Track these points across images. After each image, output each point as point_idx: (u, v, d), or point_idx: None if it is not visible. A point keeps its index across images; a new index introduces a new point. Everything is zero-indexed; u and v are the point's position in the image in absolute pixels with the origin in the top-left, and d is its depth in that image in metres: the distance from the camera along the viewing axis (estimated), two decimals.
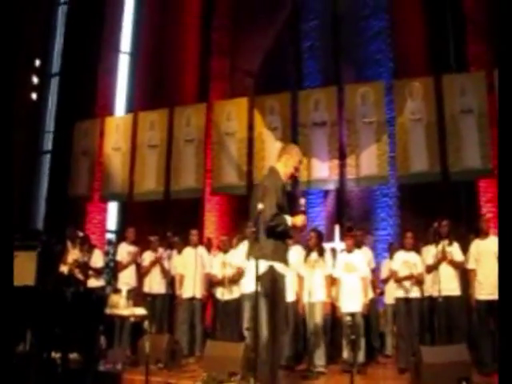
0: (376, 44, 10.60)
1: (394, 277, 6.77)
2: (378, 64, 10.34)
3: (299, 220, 4.24)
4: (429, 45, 10.38)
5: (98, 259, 7.80)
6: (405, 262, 6.70)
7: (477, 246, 6.47)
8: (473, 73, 8.60)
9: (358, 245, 7.42)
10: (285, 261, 4.26)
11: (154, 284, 7.75)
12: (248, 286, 6.07)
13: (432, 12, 10.45)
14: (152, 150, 9.72)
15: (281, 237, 4.20)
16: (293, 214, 4.24)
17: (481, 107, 7.89)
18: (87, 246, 7.69)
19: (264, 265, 4.09)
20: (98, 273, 7.71)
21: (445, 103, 8.09)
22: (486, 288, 6.05)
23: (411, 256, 6.73)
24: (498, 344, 4.61)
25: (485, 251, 6.29)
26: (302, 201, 4.69)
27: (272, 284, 4.15)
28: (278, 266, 4.19)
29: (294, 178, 4.55)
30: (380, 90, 8.62)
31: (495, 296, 5.50)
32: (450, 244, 6.48)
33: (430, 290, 6.42)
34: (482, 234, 6.53)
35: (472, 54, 9.20)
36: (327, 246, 7.58)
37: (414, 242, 6.81)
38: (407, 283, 6.57)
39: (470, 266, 6.37)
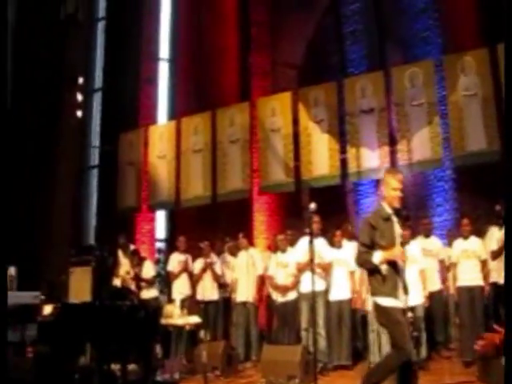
0: (422, 21, 10.28)
1: (452, 271, 6.65)
2: (425, 42, 10.03)
3: (390, 254, 4.10)
4: (479, 15, 9.98)
5: (149, 270, 8.04)
6: (464, 250, 6.56)
7: None
8: None
9: (426, 233, 7.30)
10: (391, 294, 4.11)
11: (207, 291, 7.88)
12: (305, 285, 6.11)
13: None
14: (197, 154, 9.85)
15: (376, 272, 4.14)
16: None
17: None
18: (137, 259, 7.93)
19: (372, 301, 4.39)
20: (150, 283, 7.93)
21: (502, 75, 7.76)
22: None
23: (471, 243, 6.57)
24: None
25: None
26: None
27: (384, 320, 4.18)
28: (382, 301, 4.12)
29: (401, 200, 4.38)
30: (429, 70, 8.36)
31: None
32: None
33: (495, 276, 6.23)
34: None
35: None
36: None
37: (472, 227, 6.64)
38: (469, 271, 6.41)
39: None
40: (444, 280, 7.01)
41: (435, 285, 6.83)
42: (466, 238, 6.70)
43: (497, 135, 7.63)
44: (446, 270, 6.99)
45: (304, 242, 6.54)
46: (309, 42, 11.62)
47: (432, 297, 6.60)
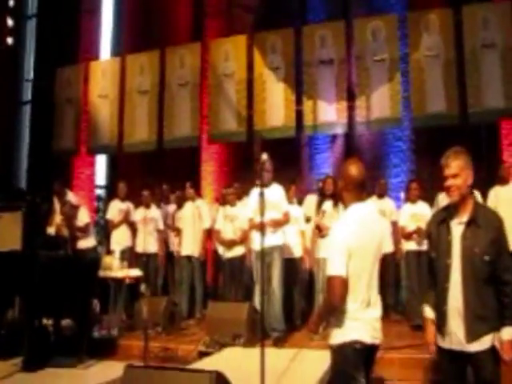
0: None
1: (401, 232, 6.77)
2: None
3: None
4: None
5: (83, 216, 7.74)
6: (412, 215, 6.69)
7: (496, 193, 6.51)
8: (496, 2, 8.26)
9: (380, 193, 7.37)
10: None
11: (148, 243, 7.71)
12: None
13: None
14: (142, 96, 9.54)
15: None
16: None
17: (505, 41, 7.65)
18: (69, 206, 7.63)
19: None
20: (83, 231, 7.67)
21: (465, 37, 7.85)
22: None
23: (419, 207, 6.71)
24: None
25: (504, 198, 6.33)
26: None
27: None
28: None
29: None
30: (392, 24, 8.35)
31: None
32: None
33: None
34: (502, 180, 6.53)
35: None
36: None
37: (422, 191, 6.75)
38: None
39: None
40: (397, 242, 7.12)
41: (388, 247, 6.94)
42: (413, 201, 6.80)
43: (456, 99, 7.75)
44: (399, 231, 7.09)
45: (256, 193, 6.33)
46: None
47: (384, 259, 6.69)
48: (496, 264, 2.88)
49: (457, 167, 2.94)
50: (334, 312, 2.90)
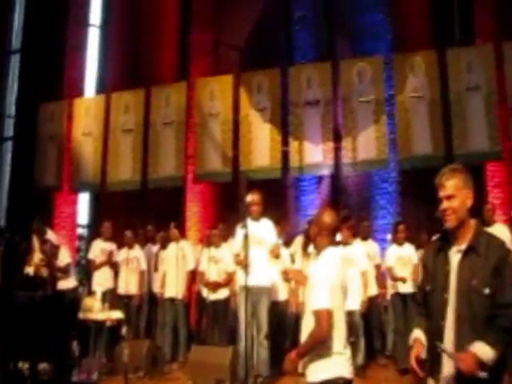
0: (373, 15, 10.41)
1: (389, 273, 6.81)
2: (375, 37, 10.17)
3: None
4: (431, 15, 10.26)
5: (64, 256, 7.66)
6: (399, 257, 6.76)
7: None
8: (480, 46, 8.54)
9: (364, 236, 7.42)
10: None
11: (130, 284, 7.64)
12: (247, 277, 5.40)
13: None
14: (127, 134, 9.58)
15: None
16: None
17: (489, 84, 7.86)
18: (49, 245, 7.56)
19: None
20: (64, 272, 7.59)
21: (449, 80, 8.05)
22: None
23: (405, 250, 6.79)
24: None
25: None
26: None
27: None
28: None
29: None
30: (378, 66, 8.55)
31: None
32: None
33: None
34: (485, 222, 6.55)
35: (479, 26, 9.10)
36: None
37: (408, 233, 6.83)
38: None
39: None
40: (381, 285, 7.15)
41: (372, 290, 6.96)
42: (400, 244, 6.87)
43: (442, 140, 7.92)
44: (383, 275, 7.13)
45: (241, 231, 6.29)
46: (255, 23, 11.52)
47: (370, 302, 6.72)
48: (495, 299, 2.47)
49: (453, 187, 2.62)
50: (321, 345, 2.98)
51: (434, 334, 2.61)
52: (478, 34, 9.09)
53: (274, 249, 5.99)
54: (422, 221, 7.51)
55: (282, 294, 6.81)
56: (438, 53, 8.21)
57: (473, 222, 2.67)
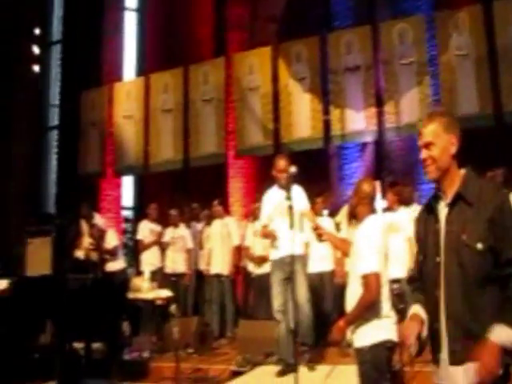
0: None
1: None
2: None
3: None
4: None
5: (111, 239, 7.89)
6: None
7: None
8: None
9: (407, 202, 7.26)
10: None
11: (177, 263, 7.80)
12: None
13: None
14: (167, 114, 9.67)
15: None
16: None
17: None
18: (97, 229, 7.79)
19: None
20: (112, 254, 7.81)
21: (497, 35, 7.70)
22: None
23: None
24: None
25: None
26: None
27: None
28: None
29: None
30: (419, 26, 8.28)
31: None
32: None
33: None
34: None
35: None
36: None
37: None
38: None
39: None
40: None
41: None
42: None
43: (490, 98, 7.62)
44: None
45: (270, 197, 5.83)
46: None
47: None
48: (496, 254, 2.09)
49: (431, 133, 2.28)
50: (369, 310, 3.11)
51: (431, 308, 2.26)
52: None
53: (305, 213, 5.64)
54: None
55: (327, 264, 6.80)
56: (484, 7, 7.86)
57: (462, 171, 2.31)
